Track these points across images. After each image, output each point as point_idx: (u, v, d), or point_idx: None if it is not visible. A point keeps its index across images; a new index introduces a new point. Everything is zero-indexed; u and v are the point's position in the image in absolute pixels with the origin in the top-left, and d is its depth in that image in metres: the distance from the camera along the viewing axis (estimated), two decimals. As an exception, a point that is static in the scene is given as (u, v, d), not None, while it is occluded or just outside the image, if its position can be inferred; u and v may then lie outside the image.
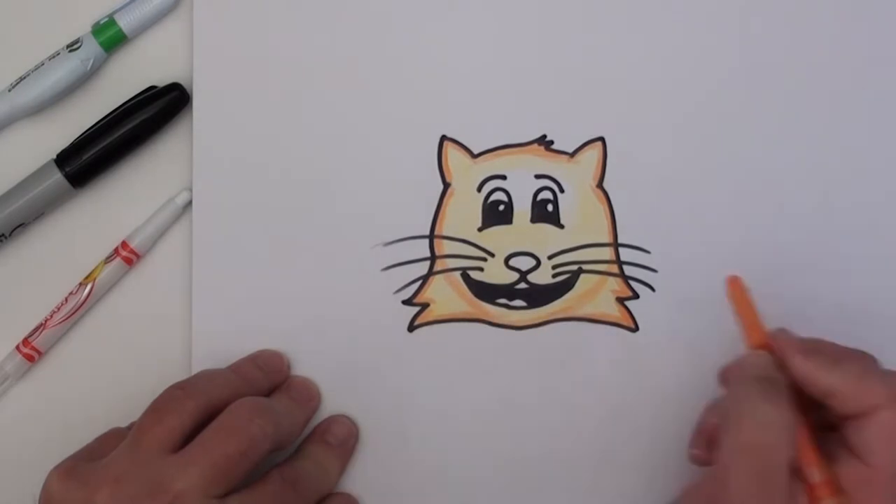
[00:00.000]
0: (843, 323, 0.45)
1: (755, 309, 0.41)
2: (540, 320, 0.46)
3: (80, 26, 0.47)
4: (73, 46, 0.46)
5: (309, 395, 0.45)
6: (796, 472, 0.37)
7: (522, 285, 0.46)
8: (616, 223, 0.46)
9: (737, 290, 0.41)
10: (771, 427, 0.36)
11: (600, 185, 0.46)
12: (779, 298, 0.45)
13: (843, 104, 0.46)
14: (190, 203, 0.47)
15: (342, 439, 0.45)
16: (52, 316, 0.46)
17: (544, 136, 0.46)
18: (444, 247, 0.46)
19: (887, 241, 0.46)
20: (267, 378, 0.44)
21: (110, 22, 0.47)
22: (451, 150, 0.46)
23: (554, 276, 0.46)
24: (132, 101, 0.46)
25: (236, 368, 0.44)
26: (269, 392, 0.44)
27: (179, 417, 0.39)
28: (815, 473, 0.37)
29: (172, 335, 0.46)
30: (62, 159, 0.46)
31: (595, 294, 0.46)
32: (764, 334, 0.40)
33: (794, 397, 0.38)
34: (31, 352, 0.46)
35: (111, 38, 0.46)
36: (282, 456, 0.44)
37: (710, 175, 0.46)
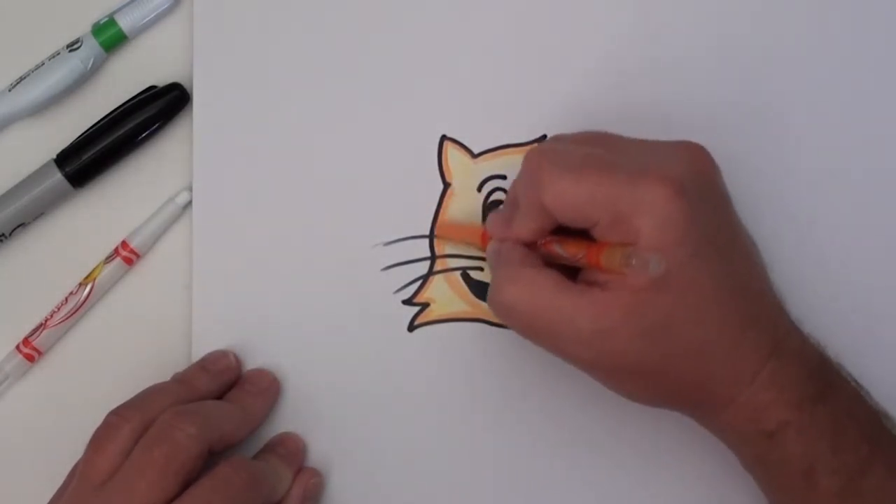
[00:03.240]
0: (854, 321, 0.45)
1: (465, 226, 0.45)
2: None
3: (80, 26, 0.47)
4: (73, 46, 0.46)
5: (266, 384, 0.45)
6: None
7: (522, 285, 0.46)
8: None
9: (444, 231, 0.46)
10: (514, 295, 0.39)
11: (600, 184, 0.46)
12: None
13: (849, 104, 0.46)
14: (190, 203, 0.47)
15: (293, 452, 0.45)
16: (52, 316, 0.46)
17: (544, 136, 0.46)
18: (445, 246, 0.46)
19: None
20: (215, 379, 0.44)
21: (110, 22, 0.47)
22: (451, 150, 0.46)
23: (554, 275, 0.46)
24: (132, 101, 0.46)
25: (181, 376, 0.44)
26: (223, 392, 0.44)
27: (118, 443, 0.40)
28: (583, 247, 0.38)
29: (172, 335, 0.46)
30: (62, 159, 0.46)
31: (595, 294, 0.46)
32: (480, 230, 0.44)
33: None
34: (31, 352, 0.46)
35: (111, 38, 0.47)
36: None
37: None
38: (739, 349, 0.38)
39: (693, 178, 0.38)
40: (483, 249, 0.43)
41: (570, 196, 0.38)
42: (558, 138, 0.42)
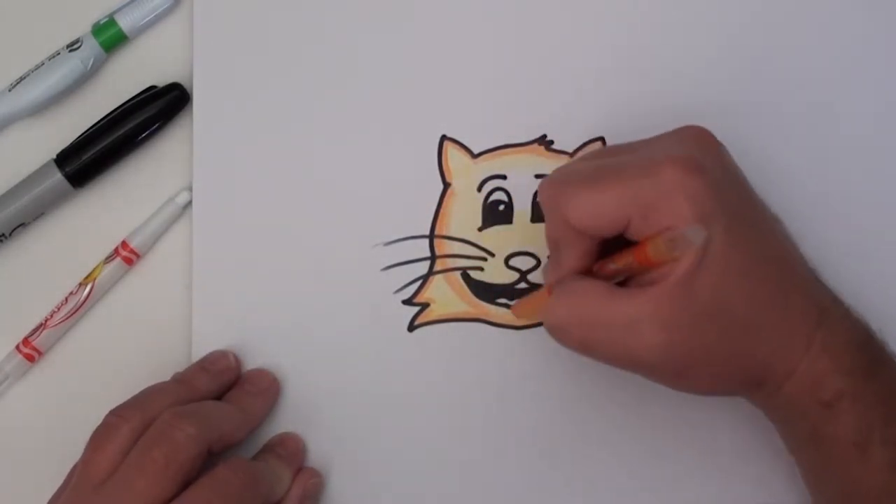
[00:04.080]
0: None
1: (532, 301, 0.44)
2: (540, 320, 0.46)
3: (80, 26, 0.47)
4: (73, 46, 0.46)
5: (266, 384, 0.45)
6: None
7: (523, 285, 0.46)
8: (616, 223, 0.46)
9: (523, 309, 0.45)
10: (566, 310, 0.39)
11: (600, 184, 0.46)
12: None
13: (850, 102, 0.46)
14: (190, 203, 0.47)
15: (293, 452, 0.45)
16: (52, 316, 0.46)
17: (544, 136, 0.46)
18: (445, 246, 0.46)
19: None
20: (214, 379, 0.44)
21: (110, 22, 0.47)
22: (451, 150, 0.46)
23: (554, 275, 0.46)
24: (132, 101, 0.46)
25: (181, 376, 0.44)
26: (222, 392, 0.45)
27: (117, 443, 0.40)
28: (630, 252, 0.38)
29: (172, 335, 0.46)
30: (62, 159, 0.46)
31: (595, 294, 0.46)
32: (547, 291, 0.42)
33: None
34: (31, 352, 0.46)
35: (111, 38, 0.47)
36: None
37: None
38: (789, 318, 0.38)
39: (704, 155, 0.38)
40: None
41: (594, 206, 0.38)
42: (561, 167, 0.42)
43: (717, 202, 0.36)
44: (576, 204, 0.38)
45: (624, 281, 0.39)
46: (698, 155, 0.38)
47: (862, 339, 0.39)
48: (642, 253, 0.37)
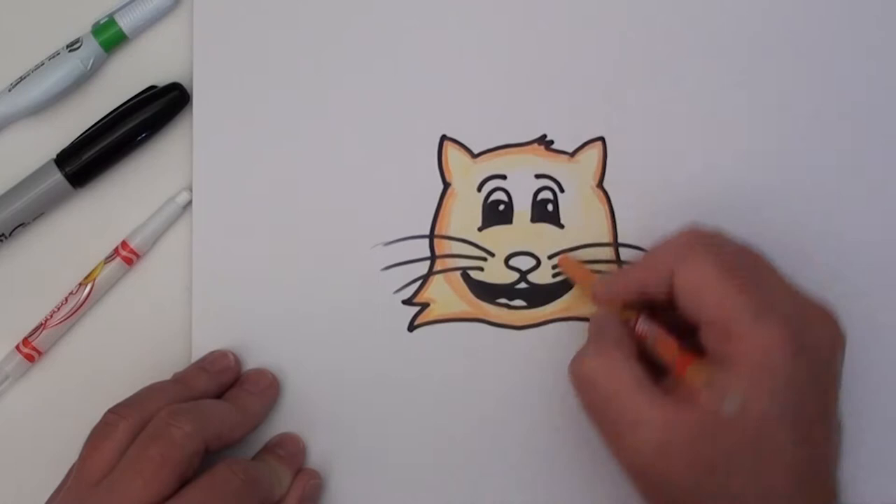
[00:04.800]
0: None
1: (588, 273, 0.45)
2: (540, 320, 0.46)
3: (80, 26, 0.47)
4: (73, 46, 0.46)
5: (265, 384, 0.45)
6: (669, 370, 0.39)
7: (522, 285, 0.46)
8: (616, 223, 0.46)
9: (569, 265, 0.45)
10: (597, 370, 0.40)
11: (600, 184, 0.46)
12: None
13: (848, 102, 0.46)
14: (190, 203, 0.47)
15: (292, 453, 0.45)
16: (52, 316, 0.46)
17: (544, 136, 0.46)
18: (445, 246, 0.46)
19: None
20: (213, 379, 0.44)
21: (110, 22, 0.47)
22: (451, 150, 0.46)
23: (554, 275, 0.46)
24: (132, 101, 0.46)
25: (180, 376, 0.44)
26: (221, 392, 0.45)
27: (114, 440, 0.40)
28: (675, 352, 0.39)
29: (172, 335, 0.46)
30: (62, 159, 0.46)
31: (595, 294, 0.46)
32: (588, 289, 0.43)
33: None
34: (31, 352, 0.46)
35: (111, 38, 0.47)
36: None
37: (711, 175, 0.46)
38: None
39: (814, 341, 0.38)
40: (589, 290, 0.44)
41: (706, 288, 0.38)
42: (717, 234, 0.41)
43: (785, 387, 0.36)
44: (695, 271, 0.39)
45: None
46: (811, 337, 0.37)
47: None
48: (682, 365, 0.38)
